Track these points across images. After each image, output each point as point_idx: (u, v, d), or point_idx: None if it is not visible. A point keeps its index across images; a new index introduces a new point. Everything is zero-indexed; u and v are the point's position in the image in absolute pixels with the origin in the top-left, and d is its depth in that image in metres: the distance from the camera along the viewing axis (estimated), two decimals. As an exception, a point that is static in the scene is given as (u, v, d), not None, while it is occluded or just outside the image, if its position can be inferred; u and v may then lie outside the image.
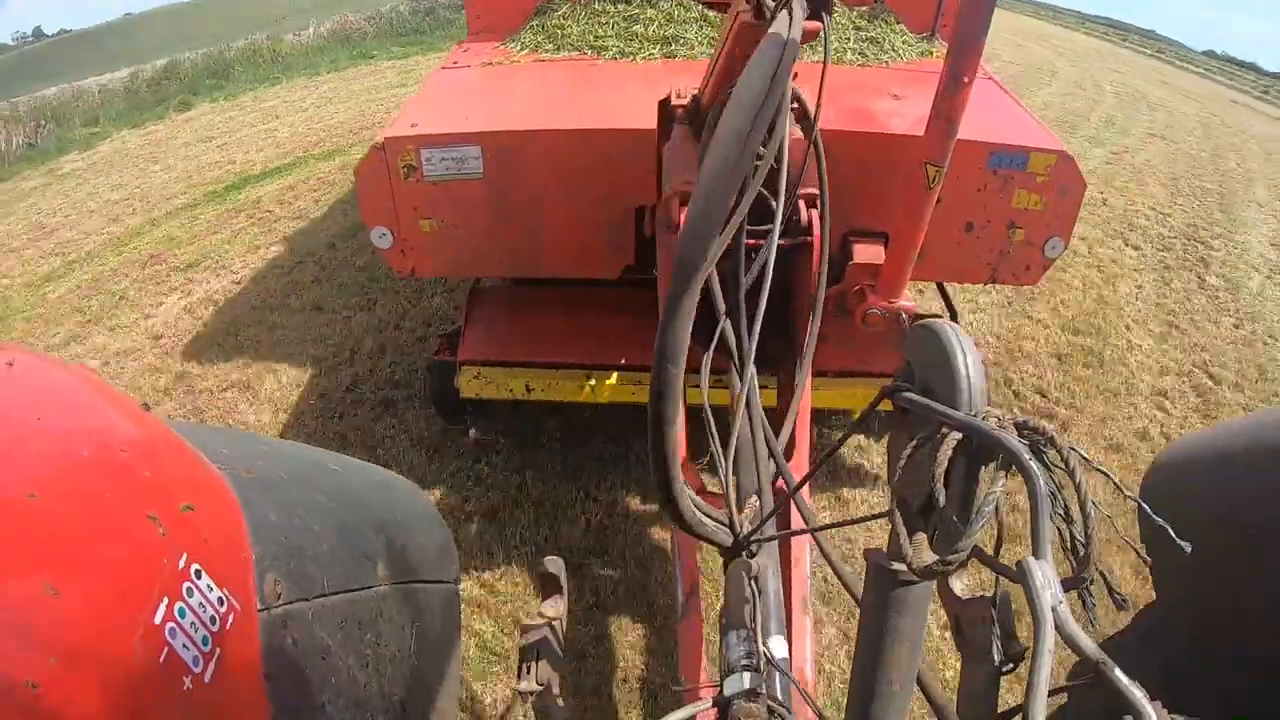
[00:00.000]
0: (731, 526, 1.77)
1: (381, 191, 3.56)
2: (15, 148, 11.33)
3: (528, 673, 1.95)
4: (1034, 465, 0.93)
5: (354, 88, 13.59)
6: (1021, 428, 1.00)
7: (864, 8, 4.80)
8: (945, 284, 4.83)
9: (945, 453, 1.04)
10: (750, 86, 1.24)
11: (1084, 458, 0.97)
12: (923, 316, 4.06)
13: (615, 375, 4.05)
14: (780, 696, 1.56)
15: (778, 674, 1.61)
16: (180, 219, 8.34)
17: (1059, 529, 0.95)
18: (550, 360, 4.11)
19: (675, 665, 3.09)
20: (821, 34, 1.76)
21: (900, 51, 4.70)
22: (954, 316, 4.62)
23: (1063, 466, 0.96)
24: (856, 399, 4.15)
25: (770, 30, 1.38)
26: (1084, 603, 0.95)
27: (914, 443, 1.10)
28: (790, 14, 1.41)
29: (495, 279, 4.66)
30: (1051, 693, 0.80)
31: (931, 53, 4.78)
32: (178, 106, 13.36)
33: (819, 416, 4.07)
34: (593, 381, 4.06)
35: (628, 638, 3.48)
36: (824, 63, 1.64)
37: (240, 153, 10.64)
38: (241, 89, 14.30)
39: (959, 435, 1.05)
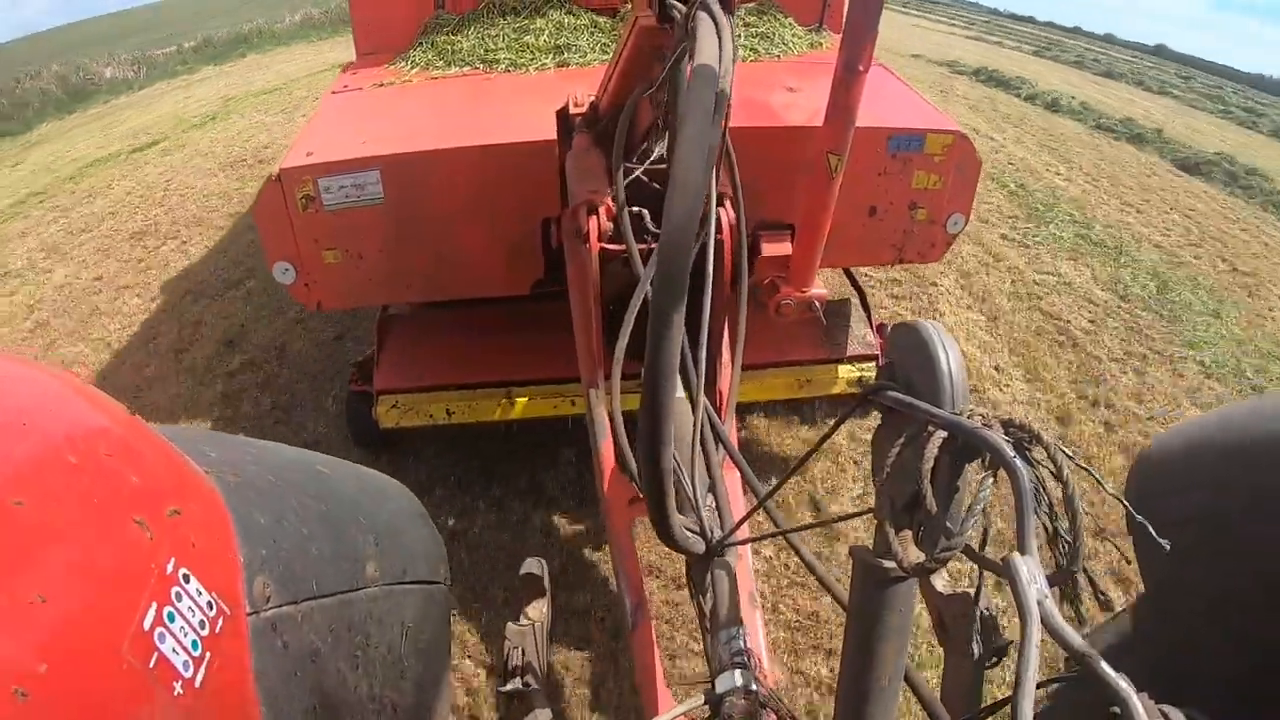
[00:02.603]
0: (702, 533, 1.78)
1: (281, 225, 3.43)
2: (127, 78, 16.70)
3: (513, 674, 1.95)
4: (1019, 463, 0.94)
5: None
6: (1007, 426, 1.01)
7: (751, 4, 4.77)
8: (852, 269, 4.87)
9: (931, 451, 1.05)
10: (701, 96, 1.24)
11: (1068, 455, 0.98)
12: (836, 302, 4.16)
13: (533, 390, 3.99)
14: (765, 691, 1.58)
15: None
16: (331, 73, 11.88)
17: (1044, 525, 0.96)
18: (469, 381, 4.01)
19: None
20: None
21: (791, 45, 4.70)
22: (863, 300, 4.65)
23: (1048, 464, 0.97)
24: (773, 390, 4.17)
25: (700, 35, 1.38)
26: (1067, 598, 0.96)
27: (901, 441, 1.11)
28: (714, 19, 1.41)
29: (404, 305, 4.54)
30: (1039, 686, 0.81)
31: (821, 44, 4.81)
32: (237, 56, 18.78)
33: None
34: (512, 399, 3.99)
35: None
36: (732, 63, 1.66)
37: (318, 62, 15.71)
38: (266, 50, 19.29)
39: (944, 434, 1.05)
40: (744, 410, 4.63)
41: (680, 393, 2.28)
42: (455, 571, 3.50)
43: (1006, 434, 0.99)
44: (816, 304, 3.35)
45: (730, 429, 2.55)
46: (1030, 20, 27.46)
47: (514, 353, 4.08)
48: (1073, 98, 14.43)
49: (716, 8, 1.43)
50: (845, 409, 1.40)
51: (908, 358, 1.18)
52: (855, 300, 4.59)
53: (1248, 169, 10.96)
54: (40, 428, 0.97)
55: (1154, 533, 0.92)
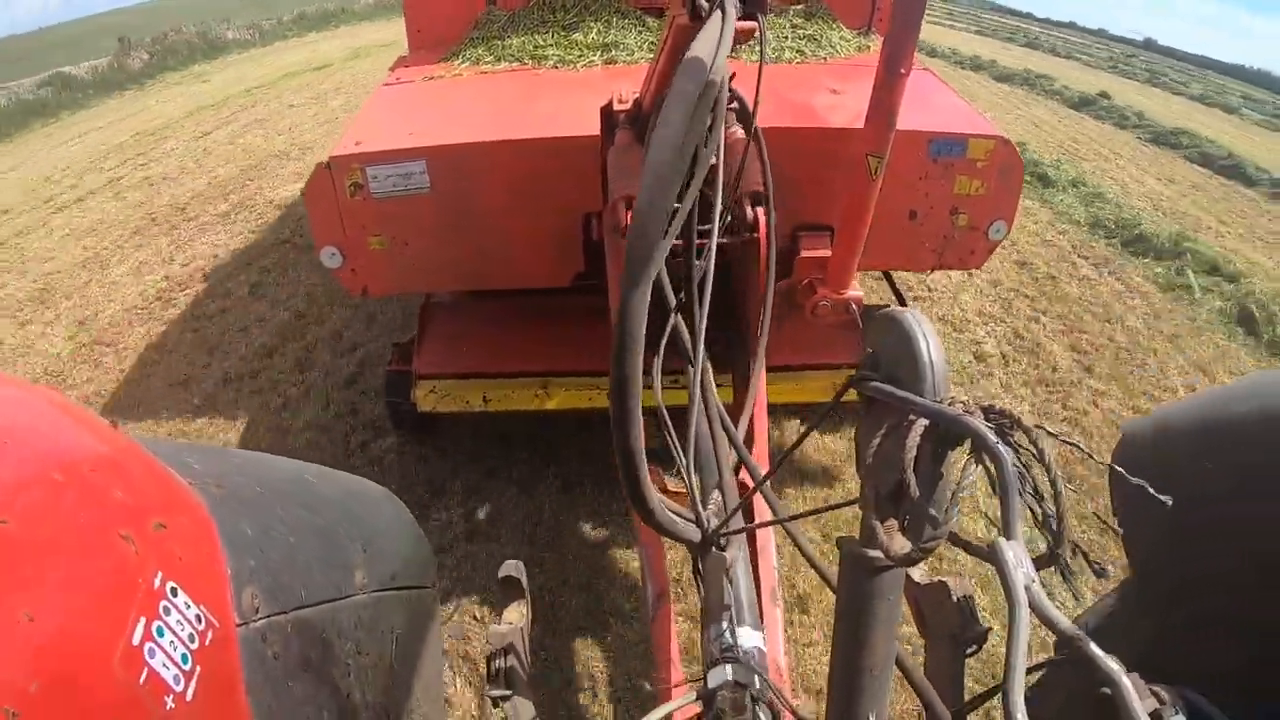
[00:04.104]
0: (698, 522, 1.78)
1: (329, 211, 3.51)
2: (247, 39, 20.13)
3: (496, 677, 1.95)
4: (1001, 448, 0.95)
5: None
6: (988, 412, 1.01)
7: (799, 6, 4.83)
8: (892, 272, 4.90)
9: (914, 440, 1.05)
10: (684, 88, 1.24)
11: (1050, 434, 0.99)
12: (873, 306, 4.14)
13: (571, 381, 4.05)
14: (759, 686, 1.58)
15: (756, 664, 1.63)
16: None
17: (1031, 509, 0.96)
18: (507, 370, 4.09)
19: (650, 664, 3.11)
20: (758, 33, 1.77)
21: (838, 47, 4.74)
22: (902, 304, 4.67)
23: (1030, 448, 0.98)
24: (810, 392, 4.19)
25: (702, 30, 1.38)
26: (1064, 576, 0.97)
27: (883, 431, 1.12)
28: (723, 12, 1.42)
29: (446, 291, 4.62)
30: (1029, 670, 0.82)
31: (868, 47, 4.82)
32: (330, 27, 21.95)
33: (774, 411, 4.09)
34: (549, 389, 4.05)
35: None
36: (760, 62, 1.65)
37: (404, 32, 16.68)
38: (351, 24, 22.23)
39: (926, 422, 1.06)
40: (776, 413, 4.67)
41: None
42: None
43: (987, 420, 1.00)
44: (853, 306, 3.36)
45: (760, 426, 2.56)
46: (1029, 16, 28.16)
47: (552, 344, 4.15)
48: (950, 48, 19.12)
49: (730, 7, 1.43)
50: (828, 400, 1.41)
51: (889, 348, 1.18)
52: (894, 305, 4.61)
53: (1039, 75, 16.67)
54: (23, 445, 0.96)
55: (1152, 490, 0.93)
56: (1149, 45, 24.98)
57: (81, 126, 13.45)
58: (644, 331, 1.25)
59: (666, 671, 2.06)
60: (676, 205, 2.55)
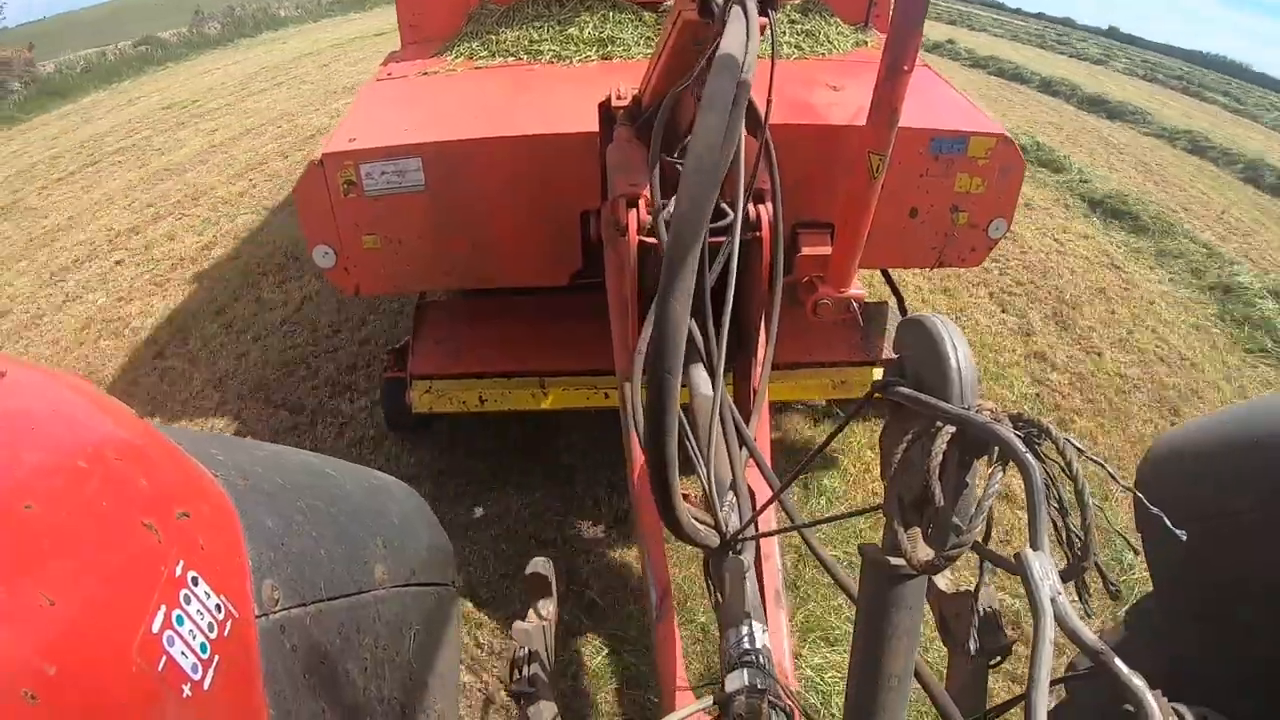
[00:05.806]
0: (717, 527, 1.77)
1: (321, 209, 3.45)
2: (299, 15, 21.95)
3: (519, 675, 1.94)
4: (1030, 458, 0.93)
5: None
6: (1016, 420, 1.00)
7: (797, 1, 4.77)
8: (891, 270, 4.82)
9: (939, 447, 1.04)
10: (719, 88, 1.23)
11: (1079, 449, 0.97)
12: (874, 304, 4.13)
13: (567, 381, 4.01)
14: (773, 688, 1.57)
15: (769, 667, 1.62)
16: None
17: (1054, 522, 0.95)
18: (503, 370, 4.04)
19: (650, 664, 3.08)
20: (767, 30, 1.74)
21: (836, 43, 4.66)
22: (901, 303, 4.63)
23: (1058, 459, 0.96)
24: (809, 390, 4.17)
25: (728, 29, 1.37)
26: (1080, 595, 0.95)
27: (909, 437, 1.10)
28: (745, 11, 1.40)
29: (441, 291, 4.55)
30: (1052, 684, 0.80)
31: (866, 43, 4.77)
32: (371, 7, 21.96)
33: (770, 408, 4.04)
34: (546, 389, 4.02)
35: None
36: (772, 60, 1.63)
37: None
38: (390, 3, 21.56)
39: (952, 429, 1.05)
40: (778, 410, 4.66)
41: (707, 388, 2.28)
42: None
43: (1016, 428, 0.98)
44: (854, 304, 3.34)
45: (763, 426, 2.54)
46: (1000, 6, 28.99)
47: (549, 343, 4.10)
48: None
49: (751, 2, 1.42)
50: (854, 405, 1.40)
51: (916, 353, 1.17)
52: (893, 302, 4.57)
53: (942, 39, 18.59)
54: (49, 432, 0.97)
55: (1170, 523, 0.91)
56: (1111, 33, 25.53)
57: (200, 68, 15.65)
58: (684, 345, 1.24)
59: (671, 675, 2.04)
60: None
